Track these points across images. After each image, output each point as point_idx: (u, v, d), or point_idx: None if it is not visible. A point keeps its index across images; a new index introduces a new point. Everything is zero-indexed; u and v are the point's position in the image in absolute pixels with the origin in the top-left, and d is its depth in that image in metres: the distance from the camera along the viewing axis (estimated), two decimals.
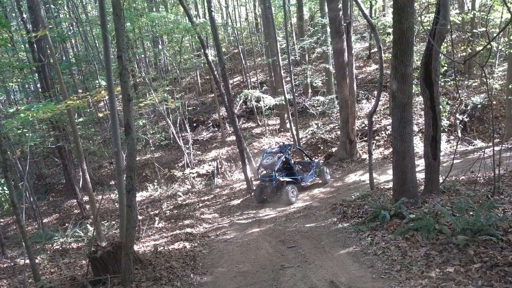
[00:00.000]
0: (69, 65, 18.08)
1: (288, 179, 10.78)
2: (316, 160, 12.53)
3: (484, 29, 14.30)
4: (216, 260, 6.55)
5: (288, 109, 15.22)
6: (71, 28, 21.31)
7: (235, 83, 23.25)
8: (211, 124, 20.29)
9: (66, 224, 11.68)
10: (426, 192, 7.33)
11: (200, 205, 11.83)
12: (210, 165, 16.23)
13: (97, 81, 16.33)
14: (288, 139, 17.07)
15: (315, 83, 18.84)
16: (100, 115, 14.52)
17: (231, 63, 25.94)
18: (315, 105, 17.89)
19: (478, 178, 8.13)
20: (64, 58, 19.35)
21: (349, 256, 5.41)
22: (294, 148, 13.02)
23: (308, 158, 12.71)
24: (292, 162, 11.71)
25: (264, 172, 11.07)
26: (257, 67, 23.21)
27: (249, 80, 20.92)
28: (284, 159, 10.98)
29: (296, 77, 18.72)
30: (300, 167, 12.23)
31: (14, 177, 12.89)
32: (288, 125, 16.26)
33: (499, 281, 3.62)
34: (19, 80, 16.46)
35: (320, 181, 11.89)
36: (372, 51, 21.08)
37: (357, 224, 6.69)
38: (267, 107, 17.94)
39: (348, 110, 13.62)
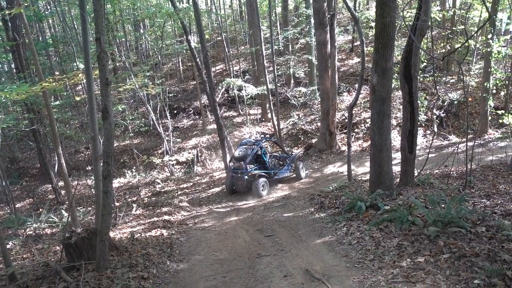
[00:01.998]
0: (45, 45, 17.46)
1: (259, 173, 10.66)
2: (293, 154, 12.33)
3: (463, 27, 14.61)
4: (193, 247, 6.55)
5: (270, 99, 15.22)
6: (48, 7, 20.54)
7: (217, 71, 23.04)
8: (192, 111, 20.11)
9: (40, 210, 11.41)
10: (401, 185, 7.51)
11: (179, 192, 11.77)
12: (190, 153, 16.11)
13: (74, 64, 15.86)
14: (269, 129, 17.11)
15: (298, 74, 18.87)
16: (77, 98, 14.13)
17: (214, 50, 25.65)
18: (297, 96, 17.96)
19: (451, 172, 8.38)
20: (40, 39, 18.64)
21: (325, 245, 5.51)
22: (271, 140, 12.83)
23: (285, 152, 12.51)
24: (266, 155, 11.46)
25: (237, 164, 10.86)
26: (240, 55, 23.04)
27: (231, 69, 20.77)
28: (257, 152, 10.81)
29: (279, 67, 18.71)
30: (276, 160, 12.02)
31: None
32: (269, 115, 16.28)
33: (466, 271, 3.76)
34: None
35: (295, 176, 11.69)
36: (355, 44, 21.25)
37: (334, 214, 6.81)
38: (249, 96, 17.89)
39: (329, 102, 13.73)
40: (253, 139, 11.64)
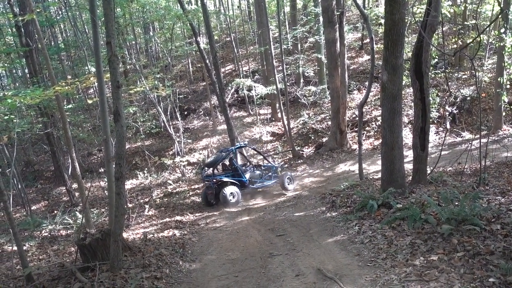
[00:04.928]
0: (57, 50, 17.72)
1: (229, 180, 10.03)
2: (276, 164, 11.64)
3: (474, 21, 14.38)
4: (205, 247, 6.59)
5: (279, 99, 15.20)
6: (59, 12, 20.86)
7: (227, 72, 23.11)
8: (202, 112, 20.20)
9: (55, 211, 11.62)
10: (414, 183, 7.43)
11: (191, 193, 11.84)
12: (200, 153, 16.19)
13: (86, 67, 16.08)
14: (280, 128, 17.10)
15: (307, 73, 18.80)
16: (90, 101, 14.28)
17: (223, 51, 25.73)
18: (307, 95, 17.90)
19: (464, 170, 8.26)
20: (52, 43, 18.96)
21: (337, 244, 5.49)
22: (249, 147, 12.35)
23: (268, 161, 11.90)
24: (239, 163, 10.89)
25: (208, 171, 10.49)
26: (249, 55, 23.07)
27: (241, 69, 20.81)
28: (226, 158, 10.37)
29: (288, 66, 18.67)
30: (261, 170, 11.17)
31: (1, 164, 12.75)
32: (279, 115, 16.28)
33: (481, 269, 3.71)
34: (6, 65, 16.10)
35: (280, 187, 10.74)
36: (365, 41, 21.07)
37: (345, 213, 6.78)
38: (258, 96, 17.89)
39: (339, 101, 13.66)
40: (227, 148, 11.07)
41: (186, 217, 9.17)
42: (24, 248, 7.53)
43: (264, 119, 18.34)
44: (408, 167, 8.31)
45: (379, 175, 7.70)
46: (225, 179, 10.01)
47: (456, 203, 5.23)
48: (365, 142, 14.06)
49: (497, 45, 12.54)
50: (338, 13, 13.03)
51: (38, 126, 13.90)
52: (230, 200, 9.64)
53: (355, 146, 13.70)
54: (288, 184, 10.57)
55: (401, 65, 6.47)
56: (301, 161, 13.91)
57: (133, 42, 21.60)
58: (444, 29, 15.89)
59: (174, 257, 5.98)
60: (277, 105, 16.67)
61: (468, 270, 3.77)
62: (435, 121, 13.87)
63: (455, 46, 15.15)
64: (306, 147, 15.37)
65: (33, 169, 17.97)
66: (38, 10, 12.65)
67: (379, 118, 14.38)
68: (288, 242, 6.06)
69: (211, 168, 10.21)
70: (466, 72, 15.85)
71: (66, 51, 19.80)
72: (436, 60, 14.78)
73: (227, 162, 10.81)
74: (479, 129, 11.74)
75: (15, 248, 5.98)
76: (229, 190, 9.68)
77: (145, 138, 17.97)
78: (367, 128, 14.70)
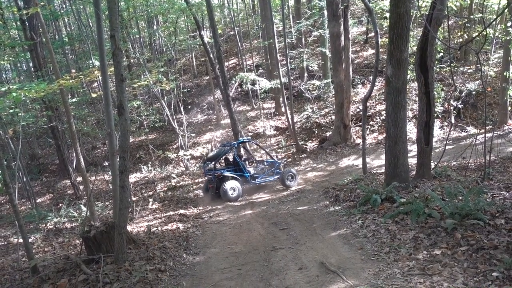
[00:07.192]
0: (62, 44, 17.77)
1: (230, 175, 9.99)
2: (279, 160, 11.46)
3: (481, 15, 14.21)
4: (209, 241, 6.63)
5: (283, 93, 15.16)
6: (63, 6, 20.86)
7: (230, 66, 23.05)
8: (206, 106, 20.20)
9: (60, 204, 11.70)
10: (418, 177, 7.42)
11: (194, 187, 11.88)
12: (204, 147, 16.23)
13: (90, 61, 16.11)
14: (283, 122, 17.07)
15: (311, 67, 18.71)
16: (94, 95, 14.33)
17: (227, 45, 25.65)
18: (311, 89, 17.82)
19: (469, 164, 8.22)
20: (56, 37, 18.99)
21: (340, 238, 5.50)
22: (252, 142, 12.37)
23: (271, 156, 11.79)
24: (240, 157, 10.85)
25: (210, 165, 10.42)
26: (253, 49, 22.97)
27: (244, 63, 20.74)
28: (228, 153, 10.39)
29: (292, 60, 18.59)
30: (264, 165, 11.08)
31: (7, 157, 12.83)
32: (283, 109, 16.24)
33: (484, 263, 3.72)
34: (10, 58, 16.16)
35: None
36: (369, 35, 20.92)
37: (349, 207, 6.78)
38: (262, 90, 17.85)
39: (343, 95, 13.60)
40: (229, 142, 11.06)
41: (189, 211, 9.21)
42: (30, 240, 7.62)
43: (268, 113, 18.31)
44: (412, 161, 8.29)
45: (383, 170, 7.67)
46: (226, 174, 10.03)
47: (460, 198, 5.23)
48: (369, 136, 14.01)
49: (503, 39, 12.42)
50: (343, 6, 12.92)
51: (43, 119, 13.97)
52: (231, 194, 9.66)
53: (359, 141, 13.67)
54: (290, 182, 10.38)
55: (406, 59, 6.43)
56: (305, 155, 13.90)
57: (137, 36, 21.57)
58: (449, 22, 15.75)
59: (178, 250, 6.02)
60: (281, 99, 16.62)
61: (471, 264, 3.78)
62: (440, 116, 13.79)
63: (460, 40, 15.02)
64: (310, 141, 15.35)
65: (38, 163, 18.10)
66: (42, 3, 12.64)
67: (383, 112, 14.32)
68: (291, 235, 6.08)
69: (213, 162, 10.24)
70: (471, 66, 15.70)
71: (70, 45, 19.84)
72: (441, 54, 14.68)
73: (230, 157, 10.83)
74: (484, 123, 11.68)
75: (21, 240, 6.04)
76: (229, 184, 9.68)
77: (149, 132, 18.03)
78: (371, 123, 14.63)
